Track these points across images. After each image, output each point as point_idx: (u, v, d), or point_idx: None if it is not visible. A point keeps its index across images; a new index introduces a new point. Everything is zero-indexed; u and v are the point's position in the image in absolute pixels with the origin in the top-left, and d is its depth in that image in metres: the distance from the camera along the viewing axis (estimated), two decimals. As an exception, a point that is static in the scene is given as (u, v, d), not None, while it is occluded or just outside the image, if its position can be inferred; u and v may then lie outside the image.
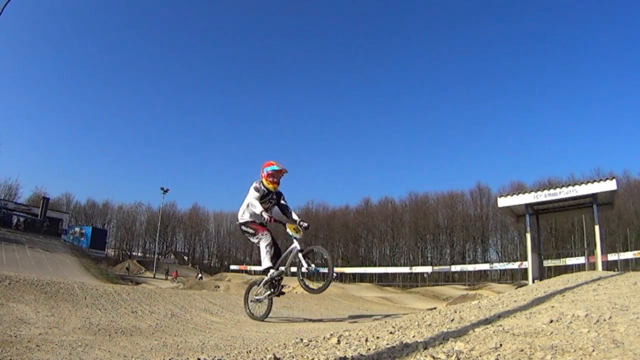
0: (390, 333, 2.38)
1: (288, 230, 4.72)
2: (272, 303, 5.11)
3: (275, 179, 4.92)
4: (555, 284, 5.36)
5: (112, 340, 3.26)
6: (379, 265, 58.09)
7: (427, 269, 53.06)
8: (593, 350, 1.47)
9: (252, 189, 4.90)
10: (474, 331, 1.98)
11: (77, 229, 49.99)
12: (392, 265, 57.43)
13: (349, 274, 56.41)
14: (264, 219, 4.73)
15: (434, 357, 1.61)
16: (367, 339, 2.21)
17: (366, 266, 58.31)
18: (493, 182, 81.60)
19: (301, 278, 4.69)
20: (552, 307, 2.53)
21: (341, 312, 7.22)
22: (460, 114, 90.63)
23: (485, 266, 52.26)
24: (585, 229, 29.80)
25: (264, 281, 5.00)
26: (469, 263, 54.11)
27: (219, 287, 34.37)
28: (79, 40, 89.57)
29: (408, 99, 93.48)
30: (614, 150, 73.93)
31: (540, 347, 1.57)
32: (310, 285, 4.71)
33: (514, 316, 2.40)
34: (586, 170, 56.29)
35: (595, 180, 13.77)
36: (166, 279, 41.05)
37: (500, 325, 2.07)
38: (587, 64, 77.72)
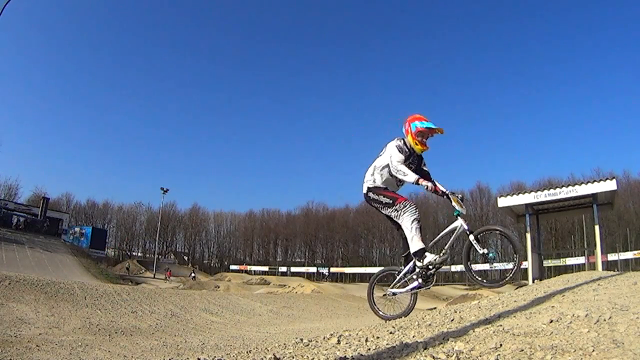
0: (390, 333, 2.38)
1: (453, 204, 3.67)
2: (416, 299, 3.87)
3: (424, 139, 3.85)
4: (555, 284, 5.35)
5: (112, 340, 3.26)
6: (379, 265, 58.06)
7: (427, 269, 52.93)
8: (593, 350, 1.47)
9: (393, 148, 3.76)
10: (474, 331, 1.98)
11: (77, 229, 49.95)
12: (392, 265, 57.34)
13: (349, 274, 56.42)
14: (427, 187, 3.57)
15: (434, 357, 1.60)
16: (367, 339, 2.21)
17: (366, 266, 58.31)
18: (493, 182, 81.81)
19: (470, 268, 3.61)
20: (552, 307, 2.53)
21: (341, 312, 7.22)
22: (460, 113, 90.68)
23: (485, 266, 52.07)
24: (585, 229, 29.83)
25: (410, 268, 3.80)
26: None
27: (219, 287, 34.36)
28: (80, 40, 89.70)
29: (408, 99, 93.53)
30: (614, 150, 74.01)
31: (540, 347, 1.57)
32: (486, 278, 3.75)
33: (514, 316, 2.40)
34: (586, 170, 56.33)
35: (595, 180, 13.78)
36: (166, 279, 41.07)
37: (500, 325, 2.07)
38: (587, 63, 77.81)
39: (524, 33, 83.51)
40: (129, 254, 64.79)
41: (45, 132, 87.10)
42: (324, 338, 2.29)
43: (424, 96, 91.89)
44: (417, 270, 3.70)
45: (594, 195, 13.59)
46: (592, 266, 15.99)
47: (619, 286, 3.72)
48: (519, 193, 15.54)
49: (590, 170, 48.61)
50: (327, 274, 52.87)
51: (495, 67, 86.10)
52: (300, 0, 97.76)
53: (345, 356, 1.82)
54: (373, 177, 3.90)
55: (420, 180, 3.57)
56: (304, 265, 61.84)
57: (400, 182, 3.85)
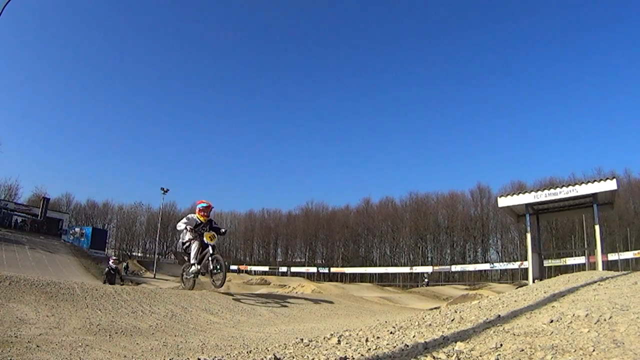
0: (391, 333, 2.38)
1: (205, 239, 6.96)
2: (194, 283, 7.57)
3: (206, 213, 7.09)
4: (556, 284, 5.35)
5: (112, 341, 3.26)
6: (379, 265, 58.07)
7: (427, 269, 53.06)
8: (593, 350, 1.47)
9: (181, 220, 7.12)
10: (474, 331, 1.98)
11: (77, 229, 49.90)
12: (392, 265, 57.45)
13: (349, 274, 56.40)
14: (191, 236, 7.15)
15: (434, 357, 1.60)
16: (367, 339, 2.21)
17: (366, 266, 58.31)
18: (493, 182, 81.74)
19: (211, 274, 7.11)
20: (552, 307, 2.53)
21: (341, 312, 7.21)
22: (460, 113, 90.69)
23: (485, 266, 52.25)
24: (586, 229, 29.80)
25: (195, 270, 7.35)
26: (469, 263, 54.09)
27: (219, 287, 34.18)
28: (81, 39, 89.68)
29: (408, 99, 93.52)
30: (614, 150, 73.91)
31: (540, 347, 1.57)
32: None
33: (514, 316, 2.40)
34: (587, 169, 56.32)
35: (595, 180, 13.75)
36: (165, 279, 41.04)
37: (500, 325, 2.07)
38: (588, 62, 77.76)
39: (523, 32, 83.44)
40: (129, 254, 64.79)
41: (45, 132, 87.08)
42: (324, 338, 2.29)
43: (424, 96, 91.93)
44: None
45: (594, 195, 13.56)
46: (593, 266, 15.96)
47: (619, 286, 3.72)
48: (519, 193, 15.52)
49: (592, 170, 48.60)
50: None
51: (496, 67, 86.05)
52: (302, 1, 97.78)
53: (345, 356, 1.81)
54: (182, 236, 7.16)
55: (189, 230, 6.93)
56: (304, 265, 61.83)
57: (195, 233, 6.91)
